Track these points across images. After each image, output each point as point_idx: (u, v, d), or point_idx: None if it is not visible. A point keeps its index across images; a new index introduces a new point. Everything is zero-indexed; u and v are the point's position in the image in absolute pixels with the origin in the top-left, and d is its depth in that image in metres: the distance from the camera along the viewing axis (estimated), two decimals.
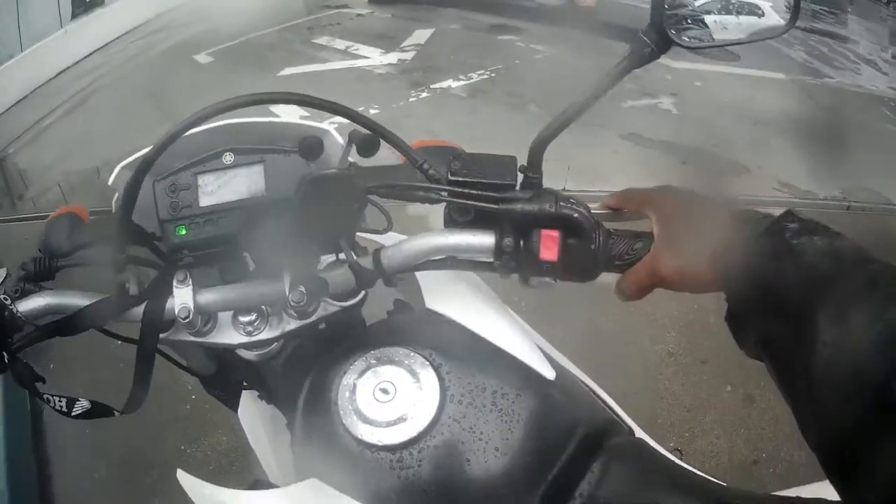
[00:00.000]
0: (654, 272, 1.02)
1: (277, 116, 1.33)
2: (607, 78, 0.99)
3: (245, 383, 1.54)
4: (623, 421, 1.25)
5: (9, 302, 1.13)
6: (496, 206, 1.03)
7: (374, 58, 8.43)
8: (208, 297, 1.15)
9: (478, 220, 1.08)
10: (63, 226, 1.23)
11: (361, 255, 1.12)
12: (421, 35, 9.22)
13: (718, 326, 2.86)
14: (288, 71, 8.33)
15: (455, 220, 1.09)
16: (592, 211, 1.07)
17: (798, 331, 0.79)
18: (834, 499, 1.01)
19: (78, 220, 1.26)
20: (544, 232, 1.03)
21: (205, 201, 1.20)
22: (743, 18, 1.11)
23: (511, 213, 1.03)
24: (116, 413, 1.25)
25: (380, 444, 1.04)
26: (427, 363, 1.10)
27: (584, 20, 9.27)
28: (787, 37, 9.69)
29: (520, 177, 1.06)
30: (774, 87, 7.75)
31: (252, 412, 1.55)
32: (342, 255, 1.12)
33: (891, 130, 7.17)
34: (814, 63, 9.11)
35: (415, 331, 1.19)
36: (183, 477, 1.20)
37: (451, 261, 1.13)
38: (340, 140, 1.20)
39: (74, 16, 10.32)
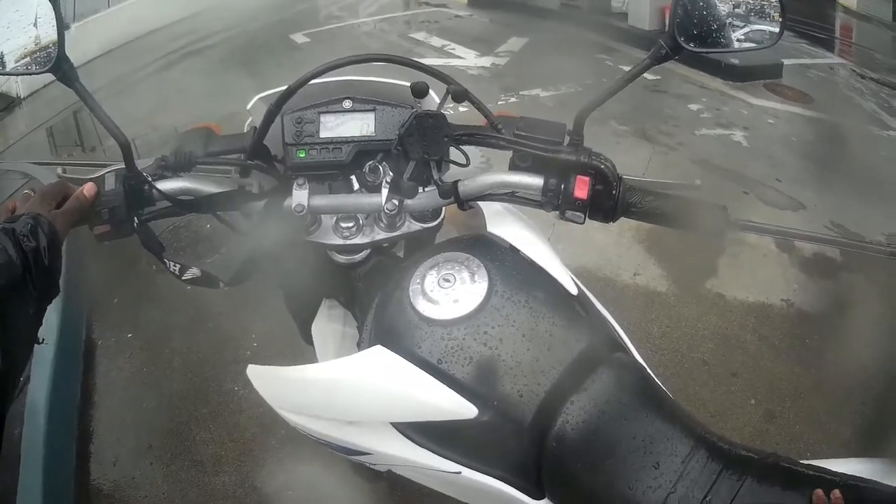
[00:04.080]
0: None
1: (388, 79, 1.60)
2: (633, 71, 1.34)
3: (324, 297, 1.81)
4: (628, 349, 1.52)
5: (149, 179, 1.41)
6: (546, 155, 1.37)
7: (469, 59, 8.52)
8: (320, 200, 1.47)
9: (532, 167, 1.42)
10: (199, 135, 1.53)
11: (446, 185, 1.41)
12: (516, 43, 9.26)
13: (753, 344, 3.10)
14: None
15: (517, 165, 1.44)
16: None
17: None
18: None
19: (212, 132, 1.55)
20: (579, 176, 1.36)
21: (324, 134, 1.49)
22: (741, 32, 1.40)
23: (556, 161, 1.37)
24: (222, 284, 1.54)
25: (436, 318, 1.36)
26: (482, 266, 1.42)
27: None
28: (863, 88, 9.68)
29: (567, 139, 1.41)
30: (840, 133, 7.72)
31: (324, 327, 1.79)
32: (429, 189, 1.46)
33: None
34: (882, 115, 9.05)
35: (477, 244, 1.49)
36: (252, 370, 1.51)
37: (509, 196, 1.46)
38: (437, 98, 1.48)
39: None
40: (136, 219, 1.42)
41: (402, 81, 1.54)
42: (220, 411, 3.42)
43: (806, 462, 1.31)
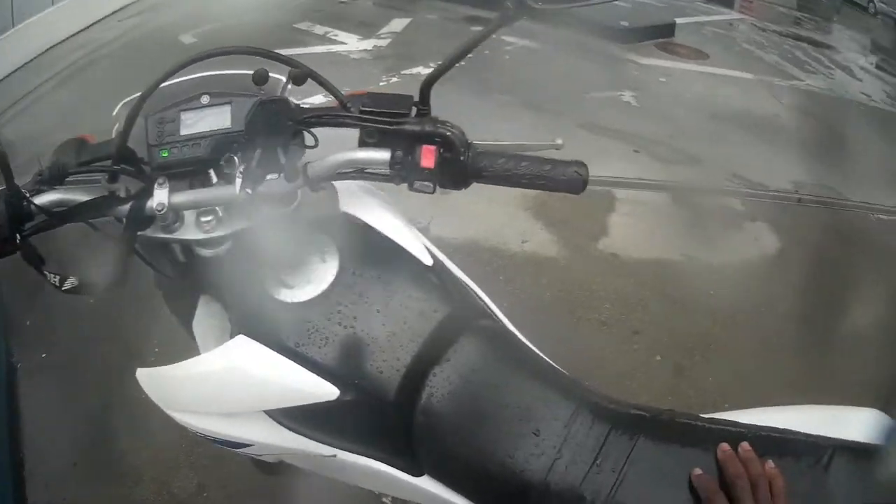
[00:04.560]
0: None
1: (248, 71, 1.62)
2: (481, 32, 1.30)
3: (201, 294, 1.80)
4: (494, 313, 1.56)
5: (27, 195, 1.40)
6: (390, 127, 1.36)
7: (351, 43, 8.52)
8: (179, 197, 1.44)
9: (380, 142, 1.39)
10: (73, 146, 1.51)
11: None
12: (398, 24, 9.29)
13: (654, 300, 3.11)
14: None
15: (365, 142, 1.41)
16: None
17: None
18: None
19: (85, 142, 1.54)
20: (425, 146, 1.34)
21: (185, 131, 1.46)
22: None
23: (401, 133, 1.35)
24: (98, 291, 1.53)
25: (290, 302, 1.40)
26: (333, 245, 1.46)
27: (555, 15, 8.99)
28: (764, 41, 9.85)
29: (415, 110, 1.38)
30: (739, 86, 7.91)
31: (204, 322, 1.77)
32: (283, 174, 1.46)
33: (853, 132, 7.31)
34: (785, 66, 9.24)
35: (328, 224, 1.51)
36: (141, 374, 1.52)
37: (358, 173, 1.44)
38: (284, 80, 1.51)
39: None
40: (18, 235, 1.42)
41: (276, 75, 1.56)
42: (133, 421, 3.38)
43: (709, 416, 1.33)
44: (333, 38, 8.88)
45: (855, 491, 1.23)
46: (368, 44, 8.55)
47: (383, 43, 8.55)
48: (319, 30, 9.24)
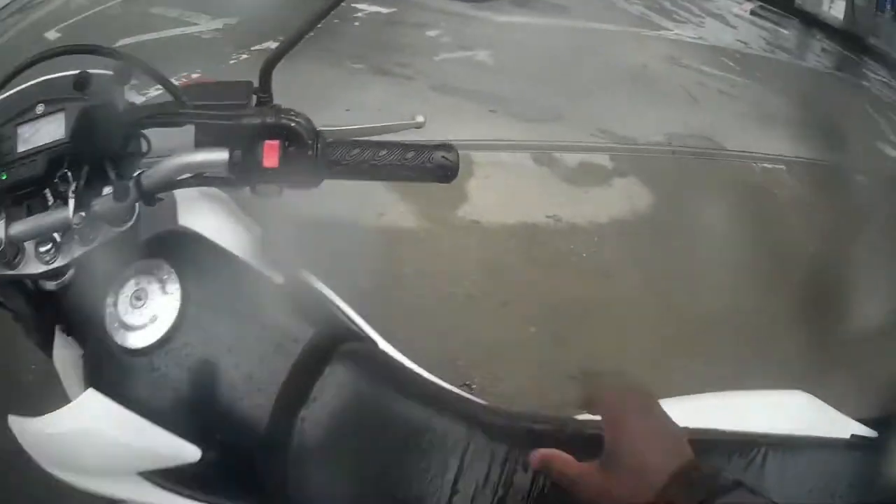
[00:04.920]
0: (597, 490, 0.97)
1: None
2: (322, 8, 1.13)
3: (57, 325, 1.62)
4: (362, 331, 1.43)
5: None
6: (226, 122, 1.20)
7: (203, 23, 8.43)
8: (15, 228, 1.28)
9: (218, 140, 1.22)
10: None
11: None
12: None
13: (521, 268, 2.94)
14: (126, 40, 7.89)
15: (202, 141, 1.24)
16: None
17: None
18: None
19: None
20: (267, 142, 1.17)
21: (21, 147, 1.31)
22: None
23: (239, 128, 1.19)
24: None
25: (135, 347, 1.22)
26: (172, 271, 1.26)
27: None
28: None
29: (255, 99, 1.24)
30: (603, 38, 7.93)
31: (63, 354, 1.60)
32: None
33: (728, 78, 7.46)
34: (651, 16, 9.34)
35: (166, 245, 1.33)
36: (13, 421, 1.35)
37: (198, 179, 1.28)
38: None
39: None
40: None
41: (102, 71, 1.38)
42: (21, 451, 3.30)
43: None
44: (186, 19, 8.74)
45: (796, 487, 1.17)
46: (219, 22, 8.43)
47: (234, 20, 8.43)
48: (173, 12, 9.06)
